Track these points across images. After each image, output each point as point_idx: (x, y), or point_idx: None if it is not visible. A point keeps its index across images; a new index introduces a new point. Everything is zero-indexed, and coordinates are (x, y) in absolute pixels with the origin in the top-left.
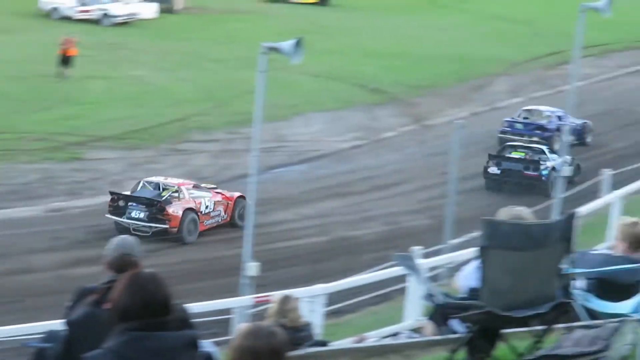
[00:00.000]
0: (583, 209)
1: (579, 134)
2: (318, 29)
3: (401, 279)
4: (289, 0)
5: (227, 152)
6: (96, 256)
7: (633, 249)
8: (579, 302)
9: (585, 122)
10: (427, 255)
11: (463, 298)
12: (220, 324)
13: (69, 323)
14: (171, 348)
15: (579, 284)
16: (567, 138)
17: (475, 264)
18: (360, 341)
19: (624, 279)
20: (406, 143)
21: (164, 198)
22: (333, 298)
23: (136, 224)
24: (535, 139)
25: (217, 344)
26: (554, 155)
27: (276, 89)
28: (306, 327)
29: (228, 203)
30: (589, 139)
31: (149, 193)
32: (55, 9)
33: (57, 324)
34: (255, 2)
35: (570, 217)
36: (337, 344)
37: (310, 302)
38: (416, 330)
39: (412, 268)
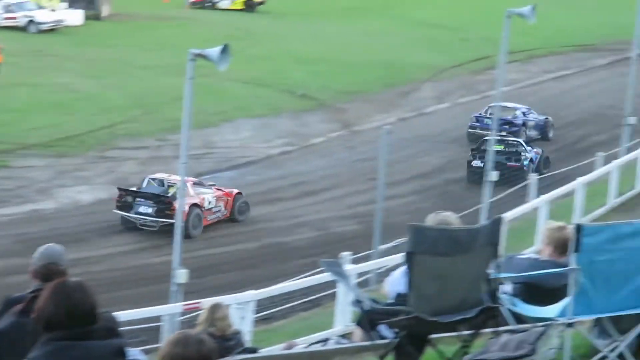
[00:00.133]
0: (509, 214)
1: (542, 129)
2: (246, 35)
3: (332, 284)
4: (217, 7)
5: (155, 159)
6: (25, 265)
7: (559, 253)
8: (506, 306)
9: (547, 118)
10: (356, 261)
11: (391, 304)
12: (149, 332)
13: None
14: (98, 357)
15: (506, 288)
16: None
17: (403, 269)
18: (289, 348)
19: (550, 283)
20: (335, 149)
21: (171, 194)
22: (263, 304)
23: (144, 219)
24: (503, 133)
25: (147, 352)
26: (529, 147)
27: (205, 96)
28: (235, 335)
29: (228, 199)
30: (551, 134)
31: (155, 189)
32: None
33: None
34: (183, 8)
35: (497, 222)
36: (266, 351)
37: (240, 308)
38: (345, 336)
39: (340, 274)
